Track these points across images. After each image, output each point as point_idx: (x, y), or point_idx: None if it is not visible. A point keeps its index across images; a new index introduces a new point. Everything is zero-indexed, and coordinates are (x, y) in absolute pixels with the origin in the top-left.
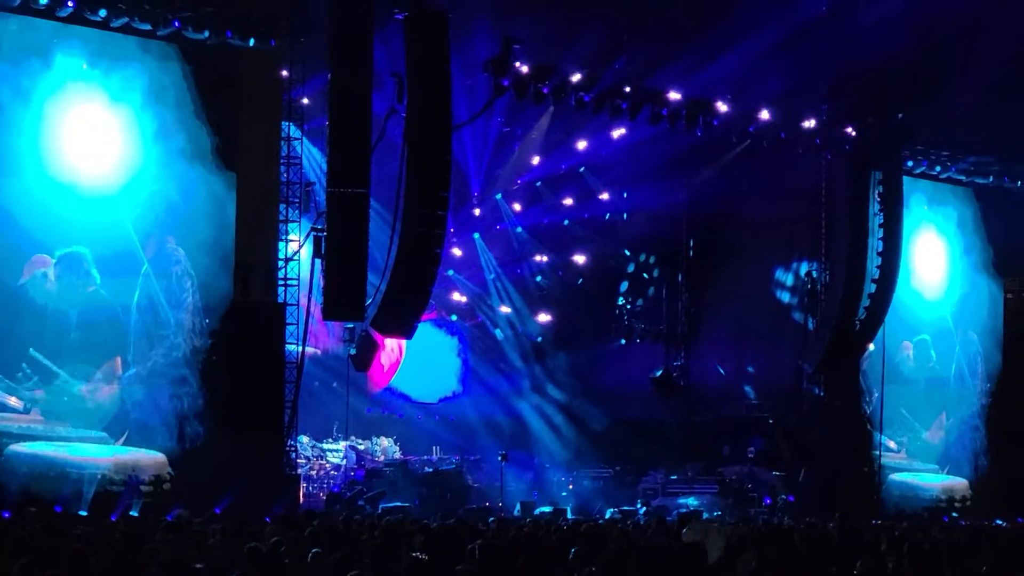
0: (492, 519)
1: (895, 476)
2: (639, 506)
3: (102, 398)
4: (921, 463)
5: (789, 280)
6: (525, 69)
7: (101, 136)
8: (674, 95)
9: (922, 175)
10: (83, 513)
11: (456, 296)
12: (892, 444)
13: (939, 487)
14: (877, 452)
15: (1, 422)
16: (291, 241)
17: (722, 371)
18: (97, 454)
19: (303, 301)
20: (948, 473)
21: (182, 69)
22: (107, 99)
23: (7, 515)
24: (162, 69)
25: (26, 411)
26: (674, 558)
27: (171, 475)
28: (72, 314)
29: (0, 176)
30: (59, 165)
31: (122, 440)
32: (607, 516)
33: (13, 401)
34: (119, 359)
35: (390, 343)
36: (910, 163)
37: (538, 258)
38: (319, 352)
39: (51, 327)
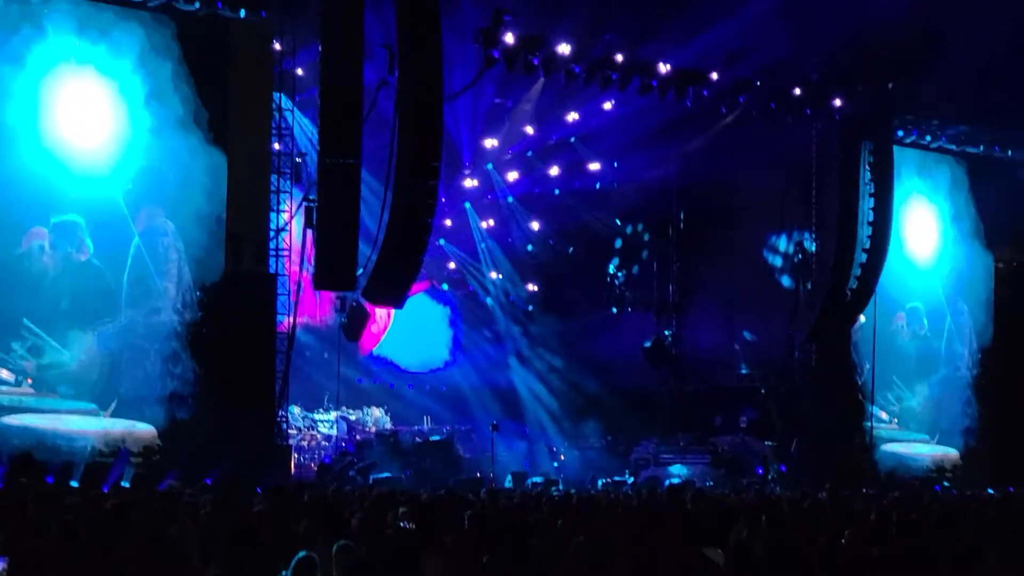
0: (483, 489)
1: (887, 446)
2: (627, 476)
3: (92, 369)
4: (912, 433)
5: (780, 249)
6: (514, 40)
7: (92, 108)
8: (664, 66)
9: (912, 144)
10: (74, 484)
11: (448, 266)
12: (884, 414)
13: (930, 457)
14: (869, 423)
15: None
16: (282, 212)
17: (713, 340)
18: (87, 426)
19: (294, 271)
20: (939, 443)
21: (173, 40)
22: (98, 70)
23: None
24: (153, 40)
25: (17, 383)
26: (663, 527)
27: (159, 446)
28: (65, 284)
29: None
30: (51, 136)
31: (110, 411)
32: (599, 486)
33: (4, 373)
34: (110, 330)
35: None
36: (900, 132)
37: (529, 227)
38: (310, 322)
39: (45, 298)
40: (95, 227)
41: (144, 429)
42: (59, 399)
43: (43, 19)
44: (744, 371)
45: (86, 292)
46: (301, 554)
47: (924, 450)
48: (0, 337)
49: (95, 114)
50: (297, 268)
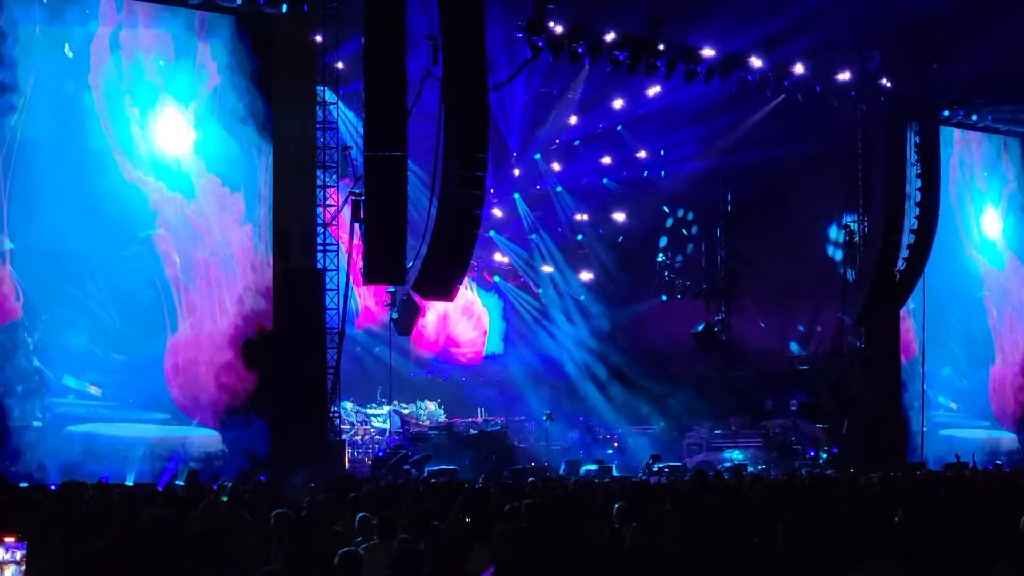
0: (531, 479)
1: (940, 428)
2: (650, 462)
3: (153, 376)
4: (967, 415)
5: (828, 233)
6: (559, 29)
7: (134, 108)
8: (708, 51)
9: (959, 124)
10: (129, 483)
11: (498, 257)
12: (940, 398)
13: (985, 439)
14: (920, 403)
15: (69, 407)
16: (329, 206)
17: (763, 325)
18: (150, 433)
19: (343, 266)
20: (994, 426)
21: (215, 37)
22: (141, 70)
23: (53, 487)
24: (194, 38)
25: (102, 397)
26: (716, 514)
27: (221, 451)
28: (138, 295)
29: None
30: (103, 139)
31: (173, 416)
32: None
33: (93, 389)
34: (170, 336)
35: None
36: (946, 113)
37: (578, 217)
38: (361, 317)
39: (119, 310)
40: (173, 239)
41: (203, 431)
42: (132, 409)
43: (86, 22)
44: (794, 354)
45: (144, 302)
46: (345, 549)
47: (980, 434)
48: (84, 356)
49: (138, 114)
50: (346, 262)
